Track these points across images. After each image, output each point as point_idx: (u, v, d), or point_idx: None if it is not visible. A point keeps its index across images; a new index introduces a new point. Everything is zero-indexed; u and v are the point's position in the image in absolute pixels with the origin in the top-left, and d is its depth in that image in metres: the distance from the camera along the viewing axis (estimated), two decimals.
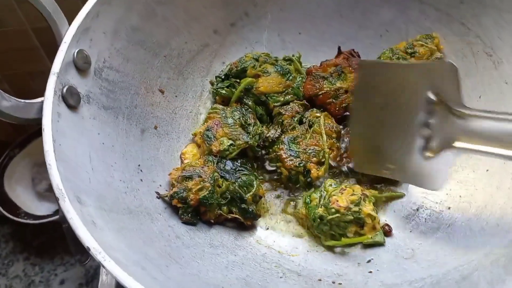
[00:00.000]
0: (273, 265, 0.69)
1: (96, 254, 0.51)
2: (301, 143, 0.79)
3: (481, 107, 0.74)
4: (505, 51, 0.74)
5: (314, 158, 0.77)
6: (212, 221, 0.74)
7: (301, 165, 0.77)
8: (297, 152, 0.78)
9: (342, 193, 0.72)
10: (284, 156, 0.78)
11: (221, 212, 0.73)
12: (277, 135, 0.82)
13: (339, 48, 0.87)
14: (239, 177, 0.75)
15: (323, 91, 0.83)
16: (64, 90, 0.64)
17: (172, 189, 0.73)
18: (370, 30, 0.89)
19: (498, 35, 0.75)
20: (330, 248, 0.72)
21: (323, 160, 0.77)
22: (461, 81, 0.58)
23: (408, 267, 0.66)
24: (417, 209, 0.74)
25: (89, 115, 0.68)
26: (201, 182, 0.73)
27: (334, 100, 0.83)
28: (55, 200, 1.07)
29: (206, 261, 0.66)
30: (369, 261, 0.69)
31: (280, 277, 0.67)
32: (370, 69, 0.70)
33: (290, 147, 0.79)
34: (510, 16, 0.73)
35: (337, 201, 0.70)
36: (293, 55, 0.89)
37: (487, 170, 0.72)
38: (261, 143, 0.82)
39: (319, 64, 0.87)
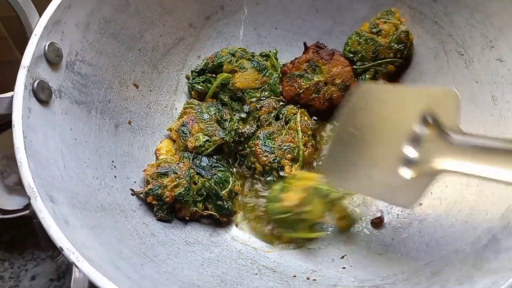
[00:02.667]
0: (248, 261, 0.70)
1: (69, 254, 0.51)
2: (276, 139, 0.79)
3: None
4: (476, 51, 0.76)
5: (289, 155, 0.78)
6: (187, 218, 0.73)
7: (276, 161, 0.77)
8: (272, 148, 0.78)
9: (295, 189, 0.71)
10: (259, 151, 0.78)
11: (196, 209, 0.73)
12: (252, 131, 0.82)
13: (304, 43, 0.88)
14: (215, 174, 0.75)
15: (303, 89, 0.84)
16: (35, 84, 0.62)
17: (147, 186, 0.72)
18: (345, 25, 0.90)
19: (469, 35, 0.77)
20: (300, 243, 0.73)
21: (297, 157, 0.78)
22: (460, 108, 0.58)
23: (381, 263, 0.67)
24: (389, 205, 0.76)
25: (61, 110, 0.67)
26: (177, 179, 0.72)
27: (316, 95, 0.84)
28: (26, 195, 1.05)
29: (181, 258, 0.66)
30: (342, 257, 0.70)
31: (255, 274, 0.67)
32: (368, 91, 0.69)
33: (265, 142, 0.79)
34: (481, 16, 0.74)
35: (287, 198, 0.70)
36: (269, 51, 0.89)
37: None
38: (237, 138, 0.81)
39: (290, 62, 0.87)
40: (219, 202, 0.74)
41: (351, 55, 0.85)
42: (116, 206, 0.68)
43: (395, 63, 0.84)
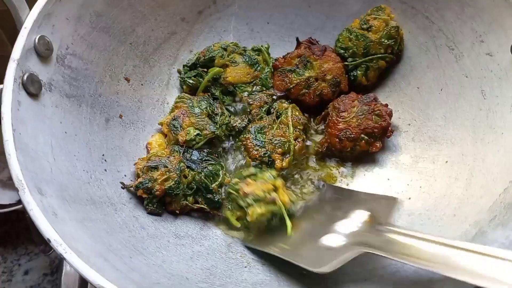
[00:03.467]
0: (238, 254, 0.70)
1: (57, 246, 0.51)
2: (267, 133, 0.79)
3: (442, 99, 0.78)
4: (466, 45, 0.76)
5: (280, 149, 0.78)
6: (178, 211, 0.74)
7: (266, 155, 0.77)
8: (263, 142, 0.78)
9: (260, 183, 0.71)
10: (250, 145, 0.79)
11: (186, 202, 0.74)
12: (244, 125, 0.82)
13: (297, 38, 0.88)
14: (205, 167, 0.75)
15: (293, 84, 0.84)
16: (25, 77, 0.62)
17: (137, 180, 0.72)
18: (338, 21, 0.90)
19: (460, 29, 0.77)
20: None
21: (288, 151, 0.78)
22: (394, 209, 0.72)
23: (369, 257, 0.67)
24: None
25: (51, 103, 0.67)
26: (167, 173, 0.72)
27: (307, 90, 0.84)
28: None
29: (170, 251, 0.66)
30: None
31: (245, 267, 0.68)
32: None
33: (256, 136, 0.79)
34: (471, 11, 0.75)
35: (247, 185, 0.70)
36: (261, 46, 0.89)
37: (446, 162, 0.74)
38: (228, 132, 0.82)
39: (282, 57, 0.87)
40: (209, 196, 0.74)
41: (342, 51, 0.85)
42: (106, 199, 0.68)
43: (386, 59, 0.84)
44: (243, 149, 0.80)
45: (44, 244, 1.04)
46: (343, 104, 0.81)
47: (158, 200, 0.72)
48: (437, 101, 0.79)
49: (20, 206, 1.07)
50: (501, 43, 0.70)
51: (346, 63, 0.85)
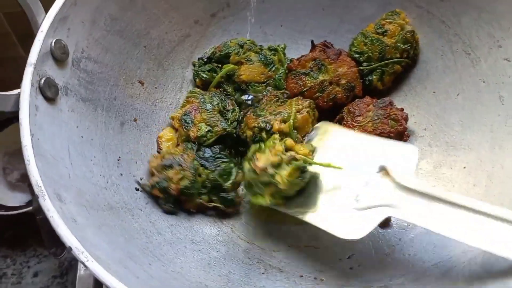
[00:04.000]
0: (255, 261, 0.70)
1: (78, 254, 0.50)
2: (269, 109, 0.79)
3: (459, 104, 0.77)
4: (483, 50, 0.76)
5: (279, 117, 0.77)
6: (194, 210, 0.74)
7: (264, 121, 0.76)
8: (263, 115, 0.78)
9: (269, 151, 0.68)
10: (250, 118, 0.78)
11: (201, 201, 0.73)
12: (250, 99, 0.82)
13: (312, 41, 0.87)
14: (218, 165, 0.75)
15: (307, 87, 0.83)
16: (42, 82, 0.62)
17: (152, 178, 0.72)
18: (351, 24, 0.90)
19: (476, 35, 0.76)
20: (308, 245, 0.73)
21: (288, 119, 0.77)
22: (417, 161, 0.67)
23: (388, 263, 0.67)
24: None
25: (67, 107, 0.66)
26: (182, 171, 0.72)
27: (320, 94, 0.83)
28: (28, 190, 1.04)
29: (188, 257, 0.66)
30: (349, 257, 0.70)
31: (262, 273, 0.67)
32: (340, 133, 0.76)
33: (257, 112, 0.79)
34: (488, 16, 0.74)
35: (257, 159, 0.68)
36: (278, 45, 0.89)
37: (464, 167, 0.73)
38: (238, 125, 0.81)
39: (297, 59, 0.87)
40: (223, 194, 0.74)
41: (357, 55, 0.84)
42: (122, 204, 0.67)
43: (402, 63, 0.83)
44: (244, 125, 0.79)
45: (55, 248, 1.03)
46: (358, 108, 0.80)
47: (174, 199, 0.72)
48: (453, 106, 0.79)
49: (30, 208, 1.07)
50: None
51: (361, 67, 0.84)
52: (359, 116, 0.79)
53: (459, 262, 0.60)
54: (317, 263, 0.69)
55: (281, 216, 0.76)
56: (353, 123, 0.79)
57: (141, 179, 0.74)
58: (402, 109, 0.80)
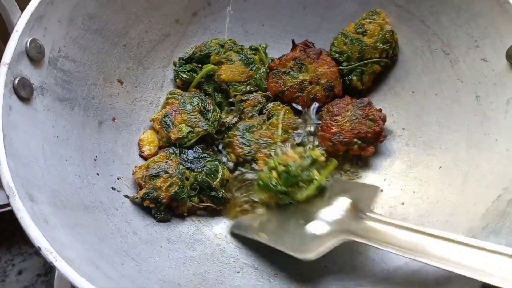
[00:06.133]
0: (231, 259, 0.70)
1: (47, 254, 0.51)
2: (255, 133, 0.79)
3: (437, 104, 0.77)
4: (461, 50, 0.76)
5: (265, 150, 0.77)
6: (186, 214, 0.74)
7: (250, 154, 0.77)
8: (249, 141, 0.78)
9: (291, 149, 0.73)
10: (235, 143, 0.79)
11: (192, 203, 0.74)
12: (234, 122, 0.82)
13: (293, 41, 0.87)
14: (204, 165, 0.76)
15: (287, 87, 0.83)
16: (16, 81, 0.62)
17: (140, 190, 0.73)
18: (332, 23, 0.90)
19: (455, 34, 0.77)
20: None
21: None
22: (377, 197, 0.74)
23: (362, 262, 0.67)
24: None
25: (42, 107, 0.66)
26: (169, 178, 0.72)
27: (300, 93, 0.84)
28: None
29: (163, 257, 0.66)
30: (323, 256, 0.70)
31: (238, 272, 0.68)
32: None
33: (243, 135, 0.79)
34: (467, 16, 0.74)
35: (287, 154, 0.71)
36: (259, 45, 0.89)
37: (440, 167, 0.74)
38: (218, 127, 0.82)
39: (278, 58, 0.87)
40: (213, 193, 0.75)
41: (337, 55, 0.85)
42: (98, 204, 0.67)
43: (381, 63, 0.84)
44: (227, 145, 0.80)
45: None
46: (337, 108, 0.81)
47: (165, 207, 0.73)
48: (432, 106, 0.79)
49: None
50: (496, 49, 0.70)
51: (341, 67, 0.84)
52: (338, 115, 0.80)
53: None
54: (292, 262, 0.69)
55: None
56: (331, 122, 0.79)
57: (117, 179, 0.74)
58: (380, 110, 0.80)
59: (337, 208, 0.68)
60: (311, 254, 0.61)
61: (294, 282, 0.66)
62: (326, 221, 0.66)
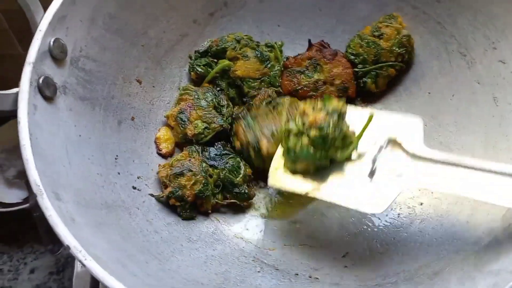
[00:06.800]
0: (250, 259, 0.70)
1: (76, 253, 0.51)
2: (260, 120, 0.79)
3: (454, 105, 0.78)
4: (478, 52, 0.76)
5: (268, 132, 0.78)
6: (210, 211, 0.75)
7: (253, 140, 0.77)
8: (253, 128, 0.78)
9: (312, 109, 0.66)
10: (240, 131, 0.79)
11: (217, 200, 0.75)
12: (243, 113, 0.82)
13: (309, 41, 0.88)
14: (226, 162, 0.76)
15: (301, 86, 0.84)
16: (40, 80, 0.62)
17: (165, 189, 0.73)
18: (348, 25, 0.90)
19: (472, 36, 0.77)
20: (303, 244, 0.74)
21: (277, 135, 0.77)
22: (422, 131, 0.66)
23: (382, 262, 0.68)
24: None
25: (65, 106, 0.66)
26: (193, 176, 0.73)
27: (314, 93, 0.84)
28: (25, 187, 1.04)
29: (185, 256, 0.66)
30: (344, 256, 0.71)
31: (258, 272, 0.68)
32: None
33: (248, 122, 0.79)
34: (484, 18, 0.75)
35: (307, 114, 0.66)
36: (275, 42, 0.89)
37: None
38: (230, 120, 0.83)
39: (293, 57, 0.87)
40: (236, 190, 0.76)
41: (353, 57, 0.85)
42: (120, 203, 0.68)
43: (396, 67, 0.84)
44: (234, 134, 0.81)
45: (52, 244, 1.04)
46: None
47: (190, 205, 0.73)
48: (448, 107, 0.79)
49: (27, 205, 1.07)
50: None
51: (356, 69, 0.85)
52: None
53: (452, 262, 0.61)
54: (312, 262, 0.70)
55: (276, 215, 0.77)
56: None
57: (138, 178, 0.75)
58: None
59: (385, 151, 0.65)
60: (378, 207, 0.61)
61: (315, 282, 0.66)
62: (379, 168, 0.64)
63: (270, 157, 0.75)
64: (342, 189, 0.65)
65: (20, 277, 1.07)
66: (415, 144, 0.63)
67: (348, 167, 0.67)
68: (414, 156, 0.62)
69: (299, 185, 0.68)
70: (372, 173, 0.65)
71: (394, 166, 0.63)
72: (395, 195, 0.61)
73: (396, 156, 0.64)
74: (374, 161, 0.66)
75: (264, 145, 0.77)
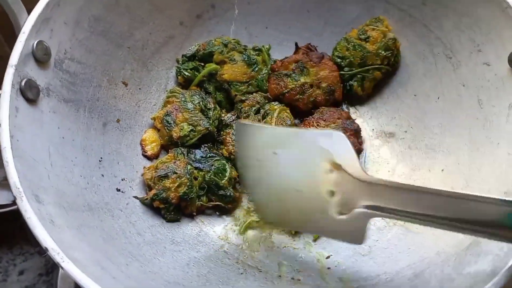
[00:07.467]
0: (234, 261, 0.71)
1: (54, 255, 0.51)
2: None
3: (439, 108, 0.78)
4: (464, 54, 0.76)
5: None
6: (195, 213, 0.75)
7: None
8: None
9: None
10: (228, 140, 0.80)
11: (201, 203, 0.75)
12: (232, 119, 0.83)
13: (296, 44, 0.88)
14: (212, 165, 0.77)
15: (288, 89, 0.84)
16: (23, 83, 0.62)
17: (150, 191, 0.74)
18: (336, 27, 0.90)
19: (457, 39, 0.77)
20: (287, 246, 0.74)
21: None
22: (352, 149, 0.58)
23: (365, 264, 0.68)
24: None
25: (48, 108, 0.66)
26: (178, 179, 0.73)
27: (301, 96, 0.84)
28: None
29: (167, 258, 0.66)
30: (328, 257, 0.71)
31: (241, 273, 0.68)
32: (253, 132, 0.67)
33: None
34: (469, 21, 0.75)
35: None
36: (263, 46, 0.89)
37: (442, 170, 0.74)
38: (217, 125, 0.83)
39: (280, 60, 0.88)
40: (221, 192, 0.76)
41: (339, 60, 0.85)
42: (103, 205, 0.68)
43: (382, 70, 0.84)
44: (221, 142, 0.82)
45: (40, 246, 1.04)
46: (329, 114, 0.82)
47: (175, 207, 0.74)
48: (434, 109, 0.80)
49: (16, 206, 1.07)
50: (498, 53, 0.71)
51: (342, 72, 0.85)
52: (325, 121, 0.81)
53: (432, 264, 0.61)
54: (295, 264, 0.71)
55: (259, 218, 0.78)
56: (314, 121, 0.81)
57: (122, 180, 0.75)
58: (361, 142, 0.82)
59: (328, 176, 0.58)
60: (358, 240, 0.58)
61: (297, 283, 0.66)
62: (337, 199, 0.58)
63: None
64: (321, 224, 0.62)
65: (9, 279, 1.07)
66: (356, 168, 0.57)
67: (304, 196, 0.62)
68: (361, 181, 0.56)
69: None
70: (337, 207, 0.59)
71: (349, 194, 0.58)
72: (366, 226, 0.57)
73: (344, 182, 0.58)
74: (324, 188, 0.60)
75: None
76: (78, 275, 0.50)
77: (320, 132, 0.68)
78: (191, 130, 0.79)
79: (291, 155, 0.62)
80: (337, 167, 0.58)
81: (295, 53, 0.88)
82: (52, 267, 1.09)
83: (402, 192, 0.54)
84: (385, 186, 0.54)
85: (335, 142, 0.58)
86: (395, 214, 0.54)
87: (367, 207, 0.56)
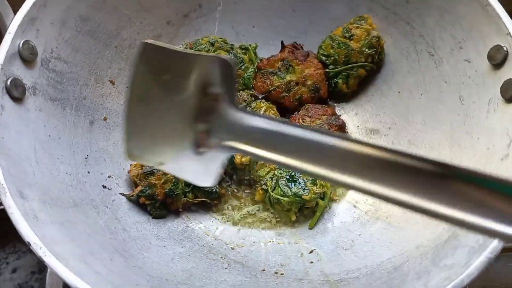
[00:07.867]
0: (219, 256, 0.72)
1: (36, 249, 0.52)
2: None
3: (422, 104, 0.79)
4: (445, 51, 0.78)
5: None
6: (180, 209, 0.76)
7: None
8: None
9: None
10: None
11: (187, 199, 0.76)
12: None
13: (282, 42, 0.89)
14: None
15: (274, 87, 0.85)
16: (8, 82, 0.63)
17: (136, 188, 0.75)
18: (321, 25, 0.91)
19: (439, 36, 0.78)
20: (272, 241, 0.76)
21: None
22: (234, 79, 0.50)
23: (347, 258, 0.69)
24: (357, 202, 0.78)
25: (34, 107, 0.67)
26: (163, 175, 0.74)
27: (287, 94, 0.85)
28: None
29: (152, 253, 0.67)
30: (311, 252, 0.72)
31: (225, 268, 0.69)
32: (154, 53, 0.55)
33: None
34: (451, 18, 0.76)
35: None
36: (249, 44, 0.90)
37: None
38: None
39: (266, 58, 0.89)
40: (207, 188, 0.77)
41: (324, 58, 0.87)
42: (88, 201, 0.69)
43: (366, 67, 0.85)
44: None
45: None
46: (314, 111, 0.83)
47: (160, 203, 0.75)
48: (417, 106, 0.81)
49: None
50: (478, 50, 0.72)
51: (327, 70, 0.86)
52: (310, 117, 0.82)
53: (412, 257, 0.62)
54: (279, 258, 0.72)
55: (248, 213, 0.78)
56: (300, 118, 0.83)
57: (108, 177, 0.76)
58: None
59: (204, 106, 0.50)
60: (211, 180, 0.50)
61: (280, 277, 0.67)
62: (204, 129, 0.50)
63: (242, 166, 0.78)
64: (180, 164, 0.53)
65: (1, 277, 1.08)
66: (232, 100, 0.49)
67: (176, 137, 0.53)
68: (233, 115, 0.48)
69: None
70: (197, 141, 0.51)
71: (217, 128, 0.50)
72: (218, 167, 0.50)
73: (217, 115, 0.49)
74: (198, 126, 0.51)
75: (238, 159, 0.79)
76: (60, 269, 0.51)
77: (210, 55, 0.59)
78: None
79: (176, 77, 0.53)
80: (215, 96, 0.50)
81: (281, 51, 0.89)
82: (44, 265, 1.09)
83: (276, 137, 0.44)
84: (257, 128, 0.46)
85: (221, 69, 0.50)
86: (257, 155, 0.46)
87: (230, 148, 0.48)
